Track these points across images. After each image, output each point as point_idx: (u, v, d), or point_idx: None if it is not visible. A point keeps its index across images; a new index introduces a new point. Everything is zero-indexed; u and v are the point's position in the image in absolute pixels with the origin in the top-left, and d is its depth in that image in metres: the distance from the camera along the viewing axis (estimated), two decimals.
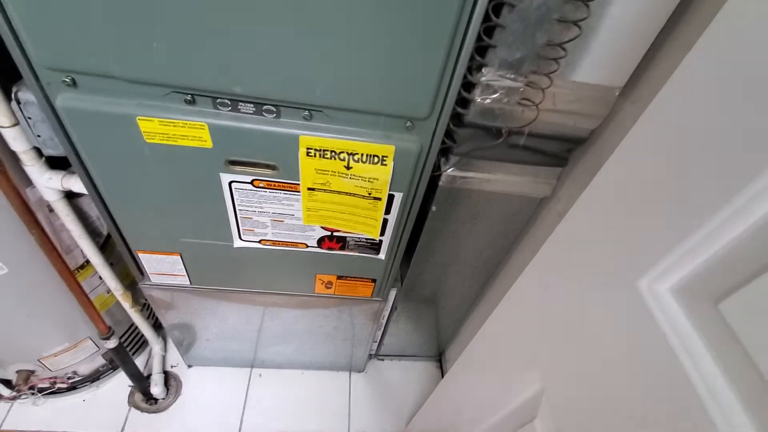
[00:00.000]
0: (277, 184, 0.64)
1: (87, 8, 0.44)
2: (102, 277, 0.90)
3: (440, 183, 0.73)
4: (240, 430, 1.12)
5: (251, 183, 0.64)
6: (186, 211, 0.68)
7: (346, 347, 1.18)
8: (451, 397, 0.89)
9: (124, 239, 0.75)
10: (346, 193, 0.65)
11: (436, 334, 1.27)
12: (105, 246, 0.93)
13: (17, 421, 1.05)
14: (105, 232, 0.91)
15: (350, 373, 1.29)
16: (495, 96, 0.59)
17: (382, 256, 0.79)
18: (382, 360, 1.35)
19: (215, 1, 0.44)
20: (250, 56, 0.49)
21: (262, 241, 0.75)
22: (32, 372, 0.98)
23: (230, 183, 0.63)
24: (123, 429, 1.08)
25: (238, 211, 0.69)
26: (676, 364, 0.30)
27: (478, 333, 0.69)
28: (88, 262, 0.91)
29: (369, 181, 0.63)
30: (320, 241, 0.76)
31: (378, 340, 1.26)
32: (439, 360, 1.38)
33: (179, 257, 0.79)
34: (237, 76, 0.51)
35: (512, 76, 0.56)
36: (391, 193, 0.65)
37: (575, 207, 0.48)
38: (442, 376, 1.34)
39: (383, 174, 0.62)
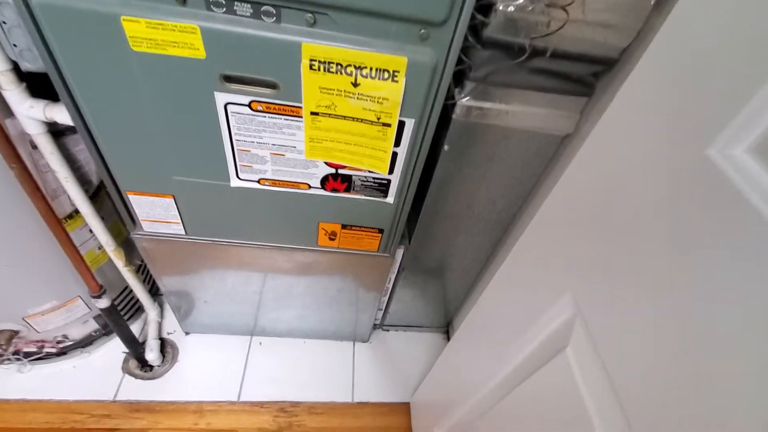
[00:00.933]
0: (277, 107, 0.58)
1: None
2: (92, 229, 0.85)
3: (454, 116, 0.67)
4: (239, 398, 1.07)
5: (249, 106, 0.58)
6: (179, 141, 0.63)
7: (351, 314, 1.12)
8: (460, 359, 0.83)
9: (112, 178, 0.69)
10: (353, 119, 0.59)
11: (443, 303, 1.22)
12: (96, 198, 0.88)
13: (1, 389, 0.99)
14: (95, 181, 0.86)
15: (354, 343, 1.24)
16: (519, 2, 0.53)
17: (390, 199, 0.74)
18: (387, 330, 1.29)
19: None
20: None
21: (261, 181, 0.70)
22: (16, 332, 0.93)
23: (226, 106, 0.58)
24: (116, 395, 1.03)
25: (234, 142, 0.63)
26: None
27: (494, 277, 0.64)
28: (77, 212, 0.86)
29: (378, 102, 0.57)
30: (324, 181, 0.70)
31: (383, 308, 1.20)
32: (447, 331, 1.33)
33: (173, 200, 0.73)
34: None
35: None
36: (402, 119, 0.60)
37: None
38: None
39: (394, 93, 0.56)
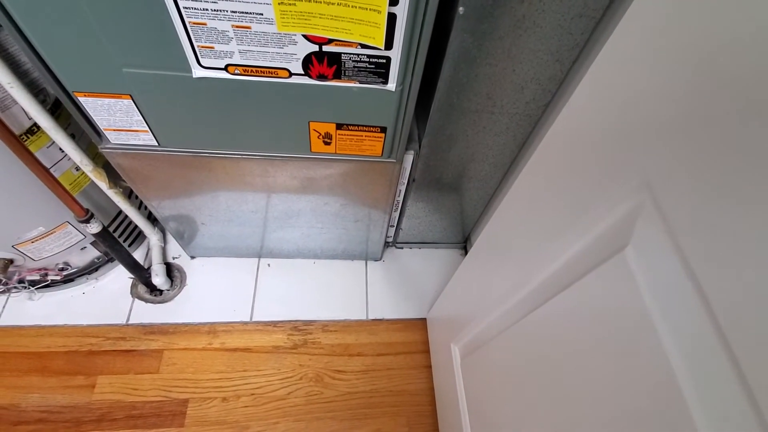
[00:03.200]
0: None
1: None
2: (60, 147, 0.75)
3: None
4: (251, 318, 1.05)
5: None
6: (115, 15, 0.49)
7: (360, 231, 1.04)
8: (480, 270, 0.75)
9: (54, 77, 0.57)
10: None
11: (460, 216, 1.11)
12: (58, 113, 0.77)
13: (12, 317, 0.99)
14: (52, 93, 0.74)
15: (366, 262, 1.18)
16: None
17: (391, 86, 0.59)
18: (401, 248, 1.22)
19: None
20: None
21: (229, 68, 0.56)
22: (11, 261, 0.89)
23: None
24: (128, 319, 1.02)
25: (183, 11, 0.48)
26: None
27: (524, 169, 0.51)
28: (38, 127, 0.75)
29: None
30: (307, 65, 0.56)
31: (395, 225, 1.11)
32: (464, 247, 1.25)
33: (131, 101, 0.61)
34: None
35: None
36: None
37: None
38: None
39: None
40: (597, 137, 0.36)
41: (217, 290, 1.09)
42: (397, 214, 1.06)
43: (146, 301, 1.06)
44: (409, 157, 0.83)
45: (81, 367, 0.95)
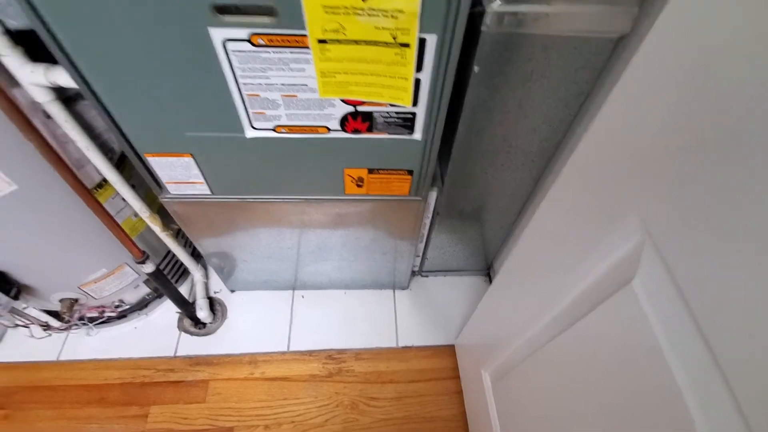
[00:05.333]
0: (280, 38, 0.52)
1: None
2: (124, 197, 0.85)
3: (483, 28, 0.58)
4: (288, 348, 1.11)
5: (249, 41, 0.52)
6: (183, 92, 0.58)
7: (388, 262, 1.10)
8: (505, 298, 0.79)
9: (128, 141, 0.67)
10: (366, 42, 0.52)
11: (482, 245, 1.16)
12: (123, 166, 0.87)
13: (72, 351, 1.08)
14: (117, 148, 0.85)
15: (394, 291, 1.23)
16: None
17: (417, 135, 0.67)
18: (427, 276, 1.27)
19: None
20: None
21: (276, 128, 0.65)
22: (75, 300, 0.99)
23: (225, 43, 0.52)
24: (176, 351, 1.10)
25: (241, 86, 0.58)
26: None
27: (539, 207, 0.57)
28: (106, 181, 0.86)
29: (392, 16, 0.49)
30: (343, 122, 0.64)
31: (421, 255, 1.17)
32: (488, 273, 1.29)
33: (191, 159, 0.71)
34: None
35: None
36: (422, 36, 0.52)
37: None
38: None
39: (409, 2, 0.47)
40: (602, 179, 0.42)
41: (256, 322, 1.16)
42: (422, 245, 1.12)
43: (191, 333, 1.13)
44: (433, 194, 0.90)
45: (135, 398, 1.02)
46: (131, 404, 1.01)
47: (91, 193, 0.79)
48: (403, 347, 1.13)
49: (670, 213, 0.34)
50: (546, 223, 0.57)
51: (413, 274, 1.26)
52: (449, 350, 1.13)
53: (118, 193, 0.89)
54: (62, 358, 1.08)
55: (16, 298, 0.85)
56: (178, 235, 1.12)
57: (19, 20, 0.51)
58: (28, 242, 0.80)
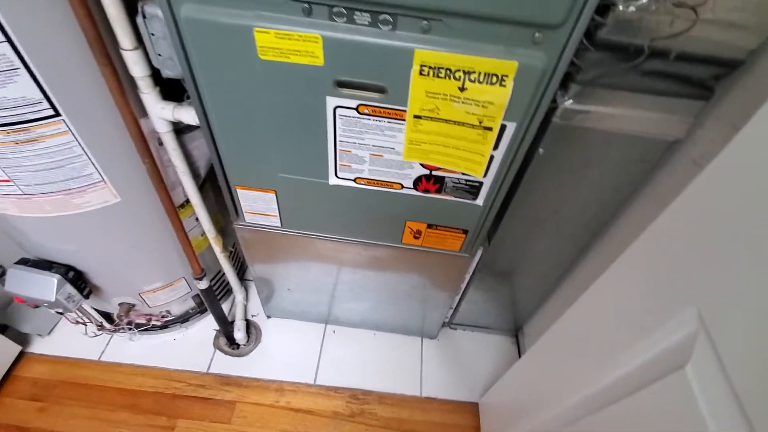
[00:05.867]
0: (383, 110, 0.61)
1: None
2: (198, 218, 0.94)
3: (553, 119, 0.66)
4: (315, 381, 1.14)
5: (356, 109, 0.61)
6: (288, 141, 0.68)
7: (422, 310, 1.14)
8: (541, 366, 0.82)
9: (225, 173, 0.77)
10: (455, 122, 0.60)
11: (514, 306, 1.20)
12: (202, 190, 0.97)
13: (114, 354, 1.14)
14: (203, 174, 0.95)
15: (422, 339, 1.26)
16: (642, 1, 0.51)
17: (479, 201, 0.74)
18: (455, 329, 1.30)
19: None
20: None
21: (357, 180, 0.73)
22: (133, 306, 1.05)
23: (335, 109, 0.61)
24: (209, 368, 1.14)
25: (338, 143, 0.67)
26: None
27: (594, 285, 0.62)
28: (187, 201, 0.95)
29: (483, 106, 0.57)
30: (417, 182, 0.72)
31: (454, 306, 1.21)
32: (515, 335, 1.31)
33: (274, 195, 0.79)
34: None
35: None
36: (504, 123, 0.60)
37: None
38: (519, 353, 1.27)
39: (500, 97, 0.56)
40: (664, 271, 0.48)
41: (287, 350, 1.20)
42: (457, 298, 1.16)
43: (225, 353, 1.18)
44: (479, 252, 0.96)
45: (165, 408, 1.06)
46: (161, 414, 1.05)
47: (177, 212, 0.88)
48: (426, 397, 1.14)
49: (726, 308, 0.39)
50: (597, 303, 0.62)
51: (443, 324, 1.29)
52: (472, 408, 1.13)
53: (194, 213, 0.98)
54: (104, 359, 1.13)
55: (87, 297, 0.93)
56: (231, 255, 1.20)
57: (173, 71, 0.62)
58: (113, 248, 0.89)
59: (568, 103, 0.63)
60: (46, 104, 0.61)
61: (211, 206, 1.03)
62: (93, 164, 0.72)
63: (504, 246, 0.96)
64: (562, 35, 0.51)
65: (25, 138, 0.63)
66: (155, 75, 0.66)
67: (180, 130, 0.83)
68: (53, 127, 0.64)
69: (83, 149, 0.69)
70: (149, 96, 0.69)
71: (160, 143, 0.79)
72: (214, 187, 1.00)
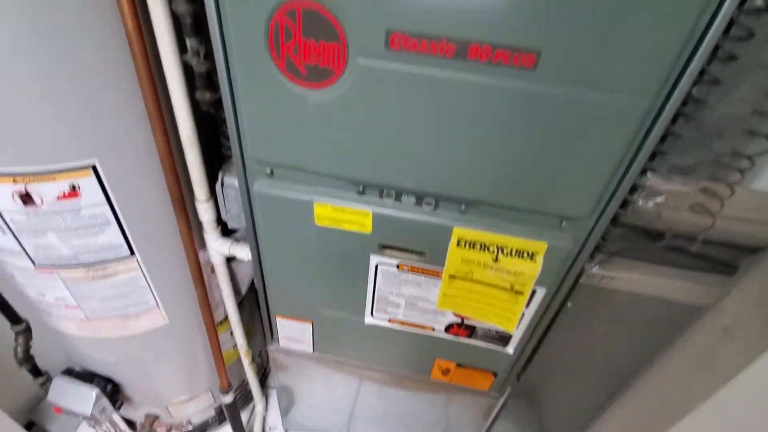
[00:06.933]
0: (420, 269, 0.67)
1: (298, 122, 0.54)
2: (234, 333, 0.98)
3: (581, 280, 0.70)
4: None
5: (396, 266, 0.67)
6: (331, 285, 0.73)
7: None
8: None
9: (267, 303, 0.82)
10: (488, 284, 0.65)
11: None
12: (239, 305, 1.03)
13: None
14: (244, 293, 1.01)
15: None
16: (659, 200, 0.57)
17: (510, 350, 0.76)
18: None
19: (399, 122, 0.51)
20: (422, 159, 0.54)
21: (391, 320, 0.77)
22: (157, 417, 1.06)
23: (377, 265, 0.68)
24: None
25: (377, 291, 0.72)
26: None
27: None
28: (226, 318, 1.00)
29: (514, 275, 0.62)
30: (448, 327, 0.75)
31: None
32: None
33: (310, 326, 0.83)
34: (408, 175, 0.56)
35: (682, 180, 0.54)
36: (534, 288, 0.64)
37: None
38: None
39: (531, 270, 0.61)
40: None
41: None
42: None
43: None
44: (507, 391, 0.94)
45: None
46: None
47: (216, 330, 0.92)
48: None
49: None
50: None
51: None
52: None
53: (230, 328, 1.03)
54: None
55: (118, 409, 0.95)
56: (256, 365, 1.21)
57: (237, 224, 0.71)
58: (153, 366, 0.92)
59: (594, 269, 0.68)
60: (125, 247, 0.70)
61: (246, 320, 1.08)
62: (152, 292, 0.79)
63: (531, 390, 0.94)
64: (587, 224, 0.57)
65: (101, 274, 0.71)
66: (218, 218, 0.76)
67: (229, 259, 0.91)
68: (127, 265, 0.72)
69: (146, 281, 0.77)
70: (212, 235, 0.78)
71: (212, 270, 0.87)
72: (250, 303, 1.06)
